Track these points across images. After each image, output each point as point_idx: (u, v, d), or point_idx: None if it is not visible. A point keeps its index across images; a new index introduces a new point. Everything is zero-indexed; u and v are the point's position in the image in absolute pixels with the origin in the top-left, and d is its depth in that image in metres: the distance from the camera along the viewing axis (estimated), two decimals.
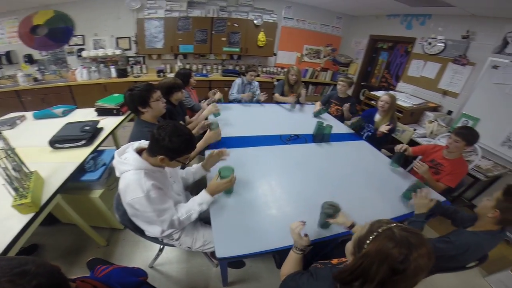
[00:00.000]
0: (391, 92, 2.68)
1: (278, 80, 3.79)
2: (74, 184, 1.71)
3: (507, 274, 1.95)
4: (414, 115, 3.29)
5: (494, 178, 2.59)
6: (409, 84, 3.81)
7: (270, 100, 3.37)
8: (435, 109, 3.36)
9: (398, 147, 1.96)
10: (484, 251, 1.25)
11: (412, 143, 2.95)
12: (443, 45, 3.25)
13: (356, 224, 1.21)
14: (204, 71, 4.71)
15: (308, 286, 0.88)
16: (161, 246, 1.85)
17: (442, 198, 1.66)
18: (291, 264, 1.08)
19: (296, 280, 0.93)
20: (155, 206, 1.16)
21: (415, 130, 3.04)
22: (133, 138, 1.58)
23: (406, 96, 3.56)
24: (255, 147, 2.10)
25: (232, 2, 4.37)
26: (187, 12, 4.16)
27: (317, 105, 3.12)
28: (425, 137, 3.03)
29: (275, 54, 5.02)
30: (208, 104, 2.45)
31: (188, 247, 1.45)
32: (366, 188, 1.73)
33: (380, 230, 0.68)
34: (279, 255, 1.45)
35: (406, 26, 3.85)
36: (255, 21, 4.40)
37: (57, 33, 3.74)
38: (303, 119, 2.87)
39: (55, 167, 1.63)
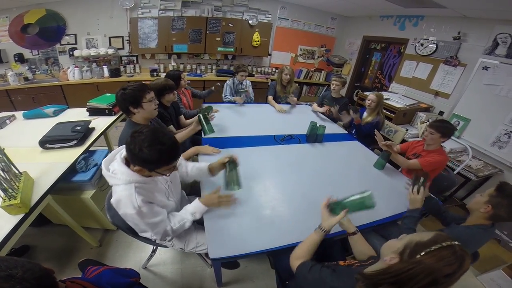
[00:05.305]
0: (377, 92, 2.71)
1: (272, 80, 3.80)
2: (65, 184, 1.69)
3: (499, 273, 1.96)
4: (406, 116, 3.33)
5: (485, 178, 2.63)
6: (401, 85, 3.85)
7: (264, 100, 3.38)
8: (427, 109, 3.40)
9: (382, 144, 1.99)
10: (475, 245, 1.27)
11: (404, 143, 2.99)
12: (435, 46, 3.30)
13: (358, 233, 1.18)
14: (198, 71, 4.69)
15: (333, 280, 0.84)
16: (154, 247, 1.84)
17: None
18: (308, 246, 1.04)
19: (317, 272, 0.89)
20: (148, 220, 1.13)
21: (407, 130, 3.08)
22: (121, 140, 1.56)
23: (398, 96, 3.59)
24: (249, 148, 2.10)
25: (227, 2, 4.36)
26: (181, 12, 4.14)
27: (315, 107, 3.16)
28: (417, 137, 3.05)
29: (269, 55, 5.03)
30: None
31: (181, 248, 1.45)
32: (359, 188, 1.73)
33: (444, 244, 0.68)
34: (273, 256, 1.46)
35: (399, 27, 3.89)
36: (250, 21, 4.40)
37: (48, 32, 3.69)
38: (296, 119, 2.88)
39: (45, 167, 1.60)
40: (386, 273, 0.71)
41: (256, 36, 4.53)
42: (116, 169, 1.10)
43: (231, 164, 1.44)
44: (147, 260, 1.86)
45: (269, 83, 3.53)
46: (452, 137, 2.77)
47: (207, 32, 4.30)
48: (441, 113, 3.28)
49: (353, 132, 2.77)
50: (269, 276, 1.88)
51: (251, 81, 3.48)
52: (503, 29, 2.59)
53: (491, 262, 2.14)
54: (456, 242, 0.70)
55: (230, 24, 4.35)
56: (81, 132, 1.90)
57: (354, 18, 4.88)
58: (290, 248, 1.22)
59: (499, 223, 2.12)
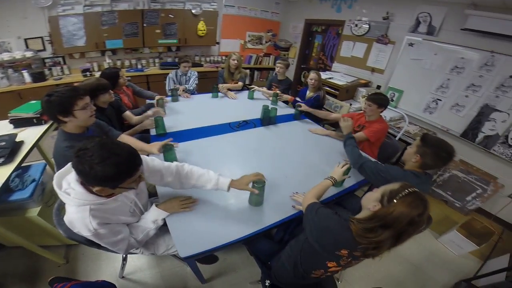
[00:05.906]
0: (315, 70, 2.90)
1: (222, 68, 3.75)
2: (3, 206, 1.51)
3: (455, 234, 2.19)
4: (349, 92, 3.62)
5: None
6: (342, 64, 4.15)
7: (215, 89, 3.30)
8: (366, 84, 3.74)
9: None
10: None
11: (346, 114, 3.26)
12: (367, 26, 3.58)
13: None
14: (139, 66, 4.35)
15: (333, 220, 0.98)
16: (124, 255, 1.71)
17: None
18: (319, 190, 1.27)
19: (323, 212, 1.02)
20: (107, 240, 1.04)
21: (351, 105, 3.37)
22: (56, 155, 1.36)
23: (340, 75, 3.87)
24: (206, 138, 2.05)
25: None
26: (111, 6, 3.72)
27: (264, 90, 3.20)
28: (360, 110, 3.32)
29: (218, 43, 4.92)
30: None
31: (152, 253, 1.38)
32: (315, 161, 1.86)
33: (410, 190, 0.84)
34: (247, 243, 1.47)
35: (336, 10, 4.12)
36: (193, 11, 4.22)
37: None
38: (249, 104, 2.91)
39: None
40: (374, 218, 0.86)
41: (201, 26, 4.37)
42: (71, 187, 0.94)
43: (259, 184, 1.30)
44: (122, 269, 1.75)
45: (219, 71, 3.49)
46: (390, 108, 3.12)
47: (144, 25, 3.98)
48: (378, 87, 3.63)
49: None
50: (250, 264, 1.91)
51: (198, 72, 3.38)
52: (423, 8, 2.93)
53: (445, 223, 2.37)
54: (416, 189, 0.86)
55: (170, 15, 4.09)
56: (6, 148, 1.61)
57: (296, 2, 5.01)
58: (262, 233, 1.25)
59: (444, 187, 2.44)
